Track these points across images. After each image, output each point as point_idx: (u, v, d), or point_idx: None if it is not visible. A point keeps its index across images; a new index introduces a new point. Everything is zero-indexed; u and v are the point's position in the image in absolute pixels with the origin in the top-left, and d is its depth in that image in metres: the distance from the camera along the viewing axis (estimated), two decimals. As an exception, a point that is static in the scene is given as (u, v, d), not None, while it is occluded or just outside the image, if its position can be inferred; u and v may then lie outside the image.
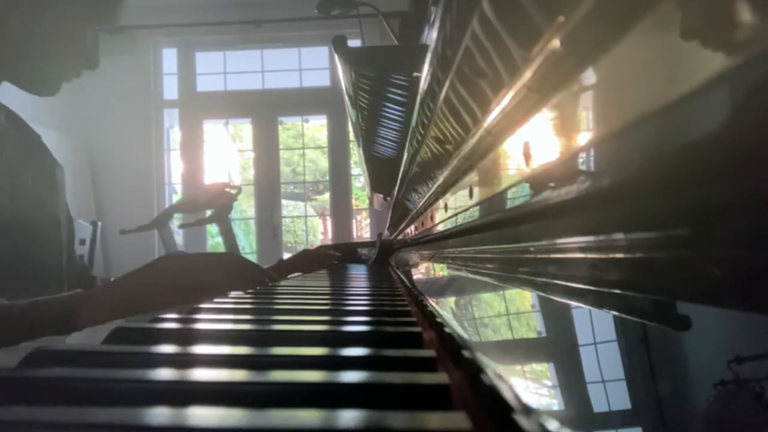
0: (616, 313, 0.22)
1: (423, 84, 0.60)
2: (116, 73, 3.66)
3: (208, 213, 2.53)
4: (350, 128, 2.65)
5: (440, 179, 0.71)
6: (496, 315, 0.40)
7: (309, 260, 1.51)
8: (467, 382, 0.25)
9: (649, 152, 0.19)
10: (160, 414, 0.20)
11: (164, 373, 0.26)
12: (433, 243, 0.92)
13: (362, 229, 4.81)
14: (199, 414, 0.20)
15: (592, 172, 0.23)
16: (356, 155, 3.69)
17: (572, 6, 0.23)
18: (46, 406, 0.20)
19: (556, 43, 0.25)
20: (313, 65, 4.41)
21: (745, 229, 0.15)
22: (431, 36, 0.51)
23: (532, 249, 0.34)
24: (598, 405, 0.21)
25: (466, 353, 0.27)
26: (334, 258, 1.58)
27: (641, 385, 0.20)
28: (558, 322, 0.30)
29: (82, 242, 2.42)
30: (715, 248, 0.16)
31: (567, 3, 0.24)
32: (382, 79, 1.12)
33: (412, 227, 1.26)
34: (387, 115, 1.24)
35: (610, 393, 0.21)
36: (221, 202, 2.38)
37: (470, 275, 0.52)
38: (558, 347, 0.29)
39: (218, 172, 4.68)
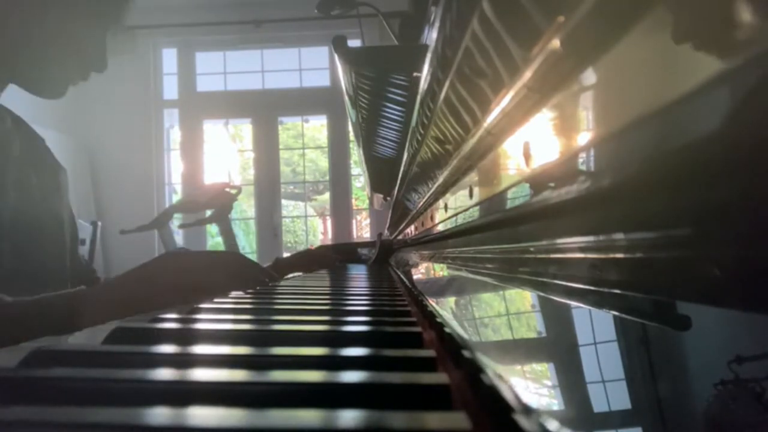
0: (616, 313, 0.22)
1: (423, 84, 0.60)
2: (116, 73, 3.61)
3: (208, 213, 2.52)
4: (350, 128, 2.66)
5: (440, 179, 0.71)
6: (496, 315, 0.40)
7: (309, 260, 1.51)
8: (467, 382, 0.25)
9: (649, 152, 0.19)
10: (160, 414, 0.20)
11: (164, 373, 0.26)
12: (433, 243, 0.92)
13: (362, 229, 4.81)
14: (199, 414, 0.20)
15: (591, 172, 0.23)
16: (356, 155, 3.69)
17: (572, 6, 0.23)
18: (46, 406, 0.20)
19: (556, 43, 0.25)
20: (313, 65, 4.41)
21: (745, 229, 0.15)
22: (431, 36, 0.51)
23: (532, 249, 0.34)
24: (598, 405, 0.21)
25: (466, 353, 0.27)
26: (335, 259, 1.58)
27: (641, 385, 0.20)
28: (558, 322, 0.30)
29: (82, 242, 2.42)
30: (715, 248, 0.16)
31: (567, 3, 0.24)
32: (382, 79, 1.12)
33: (412, 227, 1.26)
34: (387, 115, 1.24)
35: (610, 393, 0.21)
36: (221, 202, 2.38)
37: (470, 275, 0.52)
38: (558, 347, 0.29)
39: (218, 172, 4.67)
